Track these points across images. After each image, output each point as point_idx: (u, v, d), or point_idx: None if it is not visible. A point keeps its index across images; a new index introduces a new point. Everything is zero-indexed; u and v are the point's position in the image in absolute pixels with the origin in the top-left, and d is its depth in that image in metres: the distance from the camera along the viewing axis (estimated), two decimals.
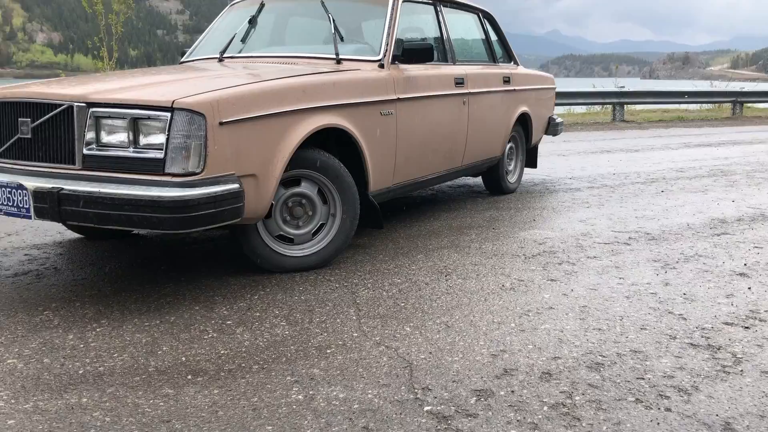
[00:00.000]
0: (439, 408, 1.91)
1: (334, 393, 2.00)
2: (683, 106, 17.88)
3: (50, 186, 2.64)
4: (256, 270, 3.18)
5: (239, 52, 3.99)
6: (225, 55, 3.93)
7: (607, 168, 7.03)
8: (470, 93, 4.46)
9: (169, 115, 2.58)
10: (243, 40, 4.04)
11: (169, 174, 2.58)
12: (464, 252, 3.57)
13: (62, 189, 2.61)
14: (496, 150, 5.02)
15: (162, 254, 3.53)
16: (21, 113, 2.82)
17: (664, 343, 2.38)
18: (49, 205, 2.63)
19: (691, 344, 2.37)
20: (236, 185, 2.69)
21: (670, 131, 12.25)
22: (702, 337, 2.44)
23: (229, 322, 2.56)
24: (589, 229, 4.13)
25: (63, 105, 2.72)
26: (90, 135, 2.70)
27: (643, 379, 2.10)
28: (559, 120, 6.23)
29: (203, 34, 4.49)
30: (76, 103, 2.70)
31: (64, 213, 2.62)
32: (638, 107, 15.82)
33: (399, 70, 3.76)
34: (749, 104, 16.36)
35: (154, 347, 2.33)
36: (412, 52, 3.76)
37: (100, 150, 2.70)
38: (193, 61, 4.17)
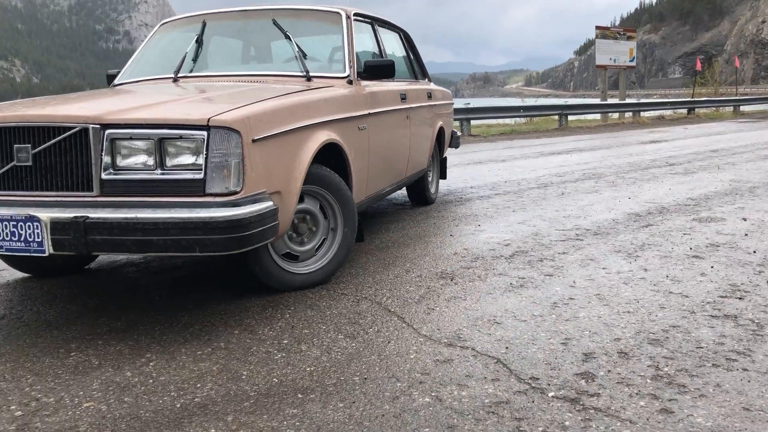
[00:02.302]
0: (561, 393, 2.03)
1: (455, 392, 2.05)
2: (504, 120, 19.31)
3: (72, 215, 2.43)
4: (258, 290, 3.11)
5: (190, 71, 3.85)
6: (179, 75, 3.78)
7: (493, 177, 7.49)
8: (411, 108, 4.63)
9: (205, 133, 2.48)
10: (194, 60, 3.90)
11: (210, 194, 2.48)
12: (445, 258, 3.71)
13: (88, 217, 2.41)
14: (425, 162, 5.23)
15: (137, 285, 3.32)
16: (17, 139, 2.56)
17: (689, 317, 2.68)
18: (73, 236, 2.42)
19: (712, 316, 2.69)
20: (271, 203, 2.64)
21: (515, 143, 13.20)
22: (714, 309, 2.77)
23: (285, 342, 2.50)
24: (534, 229, 4.44)
25: (75, 127, 2.51)
26: (107, 158, 2.52)
27: (702, 348, 2.36)
28: (458, 134, 6.58)
29: (134, 55, 4.27)
30: (91, 125, 2.51)
31: (91, 243, 2.42)
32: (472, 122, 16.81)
33: (362, 86, 3.84)
34: (571, 116, 18.05)
35: (233, 374, 2.23)
36: (374, 69, 3.85)
37: (119, 174, 2.53)
38: (134, 82, 3.95)
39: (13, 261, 3.51)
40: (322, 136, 3.12)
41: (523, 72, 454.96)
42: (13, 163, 2.57)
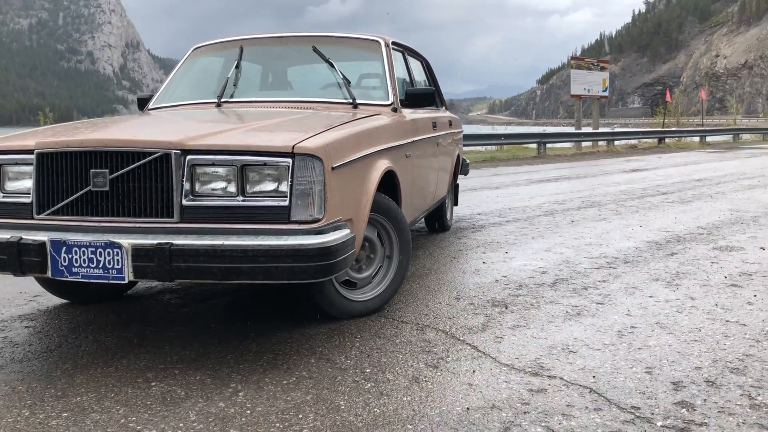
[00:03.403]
0: (668, 422, 2.06)
1: (564, 422, 2.06)
2: (476, 148, 19.46)
3: (156, 242, 2.38)
4: (312, 317, 3.08)
5: (231, 96, 3.83)
6: (222, 100, 3.75)
7: (494, 204, 7.57)
8: (439, 135, 4.67)
9: (290, 160, 2.47)
10: (235, 85, 3.88)
11: (295, 222, 2.46)
12: (489, 286, 3.73)
13: (172, 244, 2.37)
14: (446, 189, 5.27)
15: (185, 313, 3.27)
16: (94, 164, 2.51)
17: (757, 346, 2.73)
18: (157, 263, 2.37)
19: None
20: (348, 230, 2.63)
21: (500, 170, 13.36)
22: None
23: (368, 371, 2.48)
24: (563, 257, 4.49)
25: (156, 153, 2.48)
26: (187, 184, 2.49)
27: None
28: (468, 161, 6.65)
29: (168, 79, 4.23)
30: (173, 151, 2.48)
31: (175, 270, 2.38)
32: None
33: (403, 114, 3.86)
34: (549, 144, 18.35)
35: (330, 405, 2.20)
36: (415, 97, 3.89)
37: (199, 200, 2.50)
38: (172, 107, 3.91)
39: (51, 286, 3.42)
40: (383, 164, 3.13)
41: (487, 100, 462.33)
42: (88, 188, 2.52)
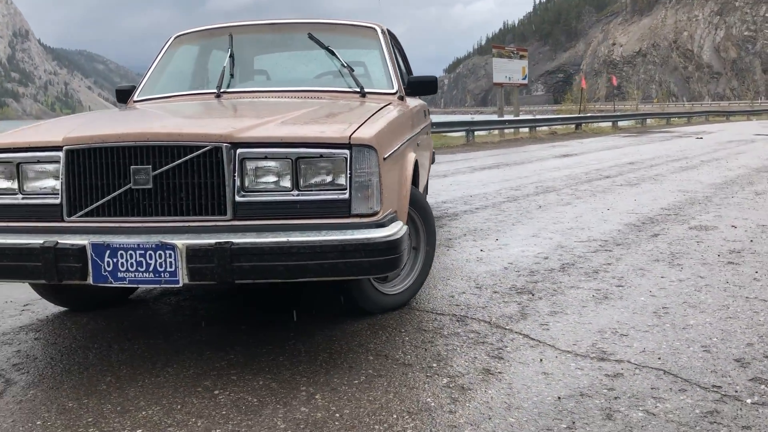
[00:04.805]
0: (755, 399, 2.11)
1: (659, 405, 2.07)
2: None
3: (214, 241, 2.23)
4: (338, 314, 3.00)
5: (228, 86, 3.65)
6: (221, 91, 3.57)
7: (453, 192, 7.61)
8: (428, 124, 4.63)
9: (347, 152, 2.37)
10: (231, 75, 3.70)
11: (356, 215, 2.37)
12: (501, 273, 3.73)
13: (233, 243, 2.23)
14: (428, 177, 5.24)
15: (203, 315, 3.10)
16: (135, 160, 2.33)
17: None
18: (217, 264, 2.22)
19: None
20: (401, 222, 2.55)
21: (437, 158, 13.38)
22: None
23: (434, 366, 2.43)
24: (555, 242, 4.55)
25: (206, 146, 2.32)
26: (238, 180, 2.35)
27: None
28: (434, 150, 6.65)
29: (150, 70, 3.99)
30: (223, 144, 2.33)
31: (237, 270, 2.24)
32: None
33: (407, 102, 3.79)
34: (477, 132, 18.65)
35: (418, 403, 2.13)
36: (417, 85, 3.83)
37: (252, 196, 2.36)
38: (163, 98, 3.69)
39: (50, 293, 3.17)
40: (412, 155, 3.07)
41: None
42: (128, 186, 2.33)
